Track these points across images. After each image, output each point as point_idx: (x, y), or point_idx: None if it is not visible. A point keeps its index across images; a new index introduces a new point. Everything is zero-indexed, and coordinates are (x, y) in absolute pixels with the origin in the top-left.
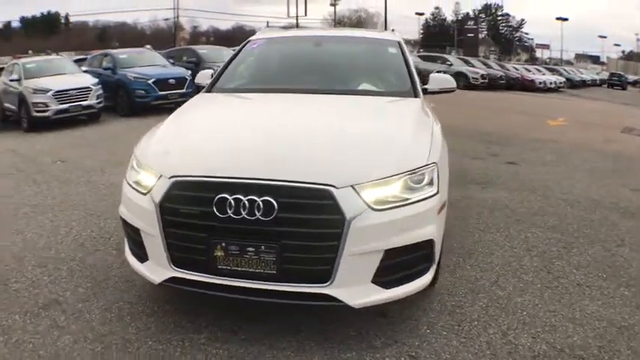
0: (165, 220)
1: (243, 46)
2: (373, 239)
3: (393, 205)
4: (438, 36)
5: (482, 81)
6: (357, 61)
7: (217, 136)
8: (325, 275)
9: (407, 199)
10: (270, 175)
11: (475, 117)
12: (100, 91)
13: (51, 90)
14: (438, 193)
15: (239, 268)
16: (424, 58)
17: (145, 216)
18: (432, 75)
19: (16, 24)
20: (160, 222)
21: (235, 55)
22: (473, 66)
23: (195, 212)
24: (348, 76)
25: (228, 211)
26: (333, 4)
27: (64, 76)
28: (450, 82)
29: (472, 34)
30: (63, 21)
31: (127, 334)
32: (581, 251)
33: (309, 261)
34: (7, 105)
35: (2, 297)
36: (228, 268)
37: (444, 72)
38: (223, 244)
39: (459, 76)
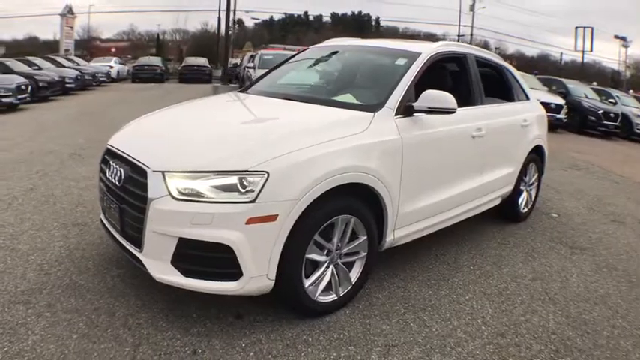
0: (99, 176)
1: (298, 52)
2: (168, 224)
3: (193, 198)
4: None
5: None
6: (357, 71)
7: (152, 120)
8: (139, 242)
9: (210, 197)
10: (129, 151)
11: None
12: None
13: None
14: (252, 202)
15: (110, 219)
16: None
17: None
18: (425, 92)
19: (326, 19)
20: (98, 177)
21: (286, 60)
22: None
23: (103, 171)
24: (335, 86)
25: (109, 173)
26: (625, 46)
27: None
28: (445, 101)
29: None
30: (373, 23)
31: (88, 253)
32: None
33: (130, 226)
34: None
35: (68, 213)
36: (107, 217)
37: None
38: (105, 198)
39: None
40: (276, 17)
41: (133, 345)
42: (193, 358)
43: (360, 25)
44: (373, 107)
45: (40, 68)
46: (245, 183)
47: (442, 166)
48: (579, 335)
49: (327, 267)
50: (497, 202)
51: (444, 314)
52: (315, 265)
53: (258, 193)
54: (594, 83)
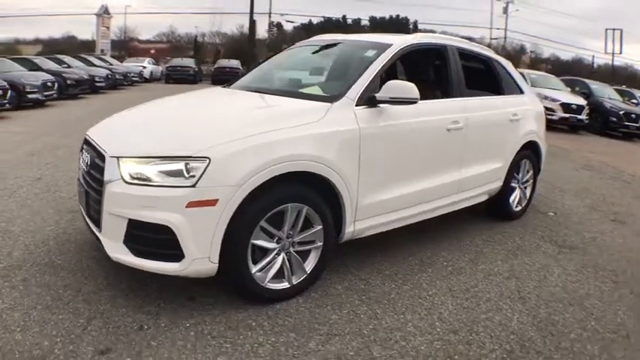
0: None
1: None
2: (120, 206)
3: (142, 182)
4: None
5: None
6: (329, 64)
7: (128, 113)
8: (99, 223)
9: (156, 182)
10: (97, 139)
11: None
12: None
13: None
14: (193, 187)
15: (80, 202)
16: None
17: None
18: (388, 82)
19: (364, 22)
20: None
21: (271, 56)
22: None
23: (79, 158)
24: (306, 79)
25: (81, 160)
26: None
27: None
28: (407, 92)
29: None
30: (411, 27)
31: (74, 237)
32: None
33: (93, 208)
34: None
35: (65, 200)
36: (79, 201)
37: None
38: (78, 183)
39: None
40: (315, 21)
41: (87, 318)
42: (138, 333)
43: (398, 28)
44: (333, 98)
45: (69, 67)
46: (189, 168)
47: (410, 158)
48: (542, 337)
49: (278, 254)
50: (483, 198)
51: (399, 308)
52: (265, 251)
53: (199, 178)
54: (623, 86)
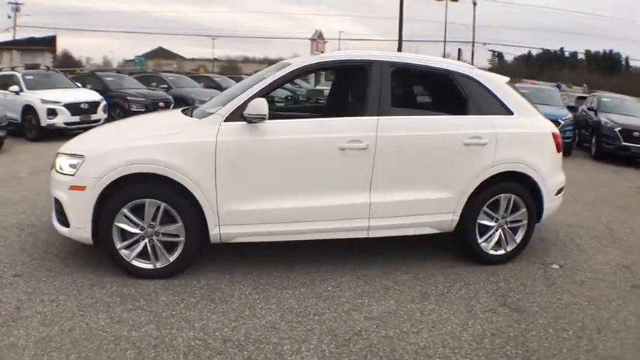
0: None
1: None
2: (52, 187)
3: (60, 171)
4: None
5: None
6: (249, 83)
7: (106, 127)
8: None
9: (64, 170)
10: None
11: None
12: None
13: None
14: (73, 175)
15: None
16: None
17: None
18: (252, 100)
19: (580, 55)
20: None
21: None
22: None
23: None
24: (226, 100)
25: None
26: None
27: None
28: (256, 109)
29: None
30: (623, 63)
31: None
32: None
33: None
34: None
35: None
36: None
37: None
38: None
39: None
40: (535, 52)
41: (33, 258)
42: (45, 272)
43: (611, 63)
44: (207, 114)
45: None
46: (74, 162)
47: (286, 173)
48: None
49: (142, 239)
50: (426, 230)
51: (217, 309)
52: (132, 234)
53: (77, 170)
54: None
